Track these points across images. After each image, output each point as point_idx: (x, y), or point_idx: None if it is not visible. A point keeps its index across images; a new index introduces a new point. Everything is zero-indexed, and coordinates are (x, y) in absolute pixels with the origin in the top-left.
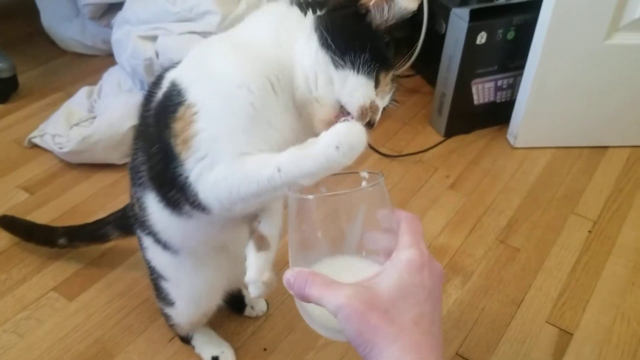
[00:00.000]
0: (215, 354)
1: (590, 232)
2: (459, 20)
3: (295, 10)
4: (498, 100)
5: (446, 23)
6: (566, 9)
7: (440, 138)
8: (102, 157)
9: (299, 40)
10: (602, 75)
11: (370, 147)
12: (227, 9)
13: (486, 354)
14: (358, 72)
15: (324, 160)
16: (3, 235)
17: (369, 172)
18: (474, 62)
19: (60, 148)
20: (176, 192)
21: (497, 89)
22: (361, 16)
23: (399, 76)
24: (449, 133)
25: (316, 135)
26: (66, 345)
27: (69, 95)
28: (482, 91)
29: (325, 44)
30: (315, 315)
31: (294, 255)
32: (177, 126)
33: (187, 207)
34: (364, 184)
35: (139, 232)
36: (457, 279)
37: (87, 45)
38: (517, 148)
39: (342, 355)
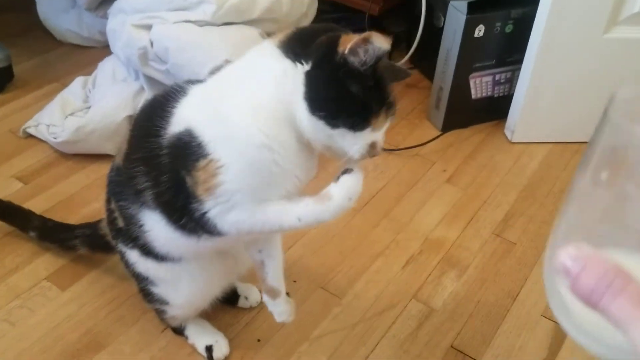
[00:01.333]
0: (209, 343)
1: None
2: (456, 12)
3: (288, 64)
4: (496, 95)
5: (444, 17)
6: (565, 1)
7: (437, 132)
8: (97, 147)
9: (296, 99)
10: (601, 69)
11: None
12: None
13: (482, 346)
14: (353, 129)
15: (339, 210)
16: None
17: None
18: (471, 55)
19: (55, 138)
20: (190, 221)
21: (495, 83)
22: (341, 66)
23: None
24: (446, 127)
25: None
26: (58, 335)
27: (65, 86)
28: (480, 85)
29: (315, 109)
30: (578, 314)
31: (585, 226)
32: (199, 175)
33: (201, 232)
34: None
35: (121, 246)
36: (452, 272)
37: (83, 36)
38: (514, 143)
39: (335, 348)
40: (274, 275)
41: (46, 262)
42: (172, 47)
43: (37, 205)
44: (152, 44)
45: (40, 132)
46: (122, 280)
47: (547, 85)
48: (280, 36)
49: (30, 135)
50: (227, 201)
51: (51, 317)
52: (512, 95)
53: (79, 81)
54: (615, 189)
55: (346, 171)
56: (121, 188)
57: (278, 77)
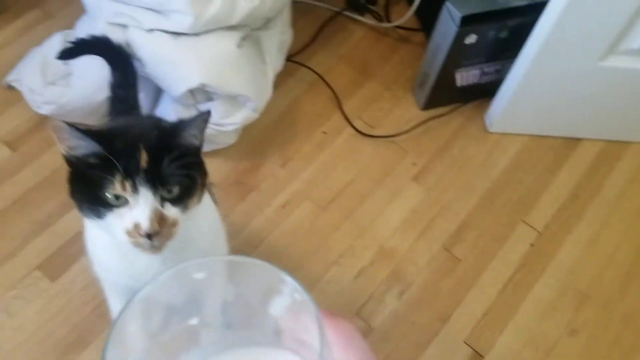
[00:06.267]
0: None
1: (532, 245)
2: (449, 19)
3: None
4: (482, 82)
5: None
6: (569, 22)
7: (417, 111)
8: (79, 120)
9: None
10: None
11: (347, 120)
12: (200, 8)
13: None
14: (98, 216)
15: None
16: None
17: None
18: (461, 57)
19: (37, 107)
20: None
21: (483, 73)
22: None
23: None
24: (428, 106)
25: None
26: (50, 330)
27: (46, 13)
28: (467, 76)
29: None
30: None
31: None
32: None
33: None
34: None
35: None
36: (397, 289)
37: None
38: (491, 133)
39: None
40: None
41: (37, 249)
42: (146, 59)
43: (28, 177)
44: (128, 45)
45: (23, 90)
46: None
47: (536, 86)
48: None
49: (13, 87)
50: None
51: (45, 309)
52: (499, 81)
53: (58, 39)
54: None
55: None
56: None
57: None
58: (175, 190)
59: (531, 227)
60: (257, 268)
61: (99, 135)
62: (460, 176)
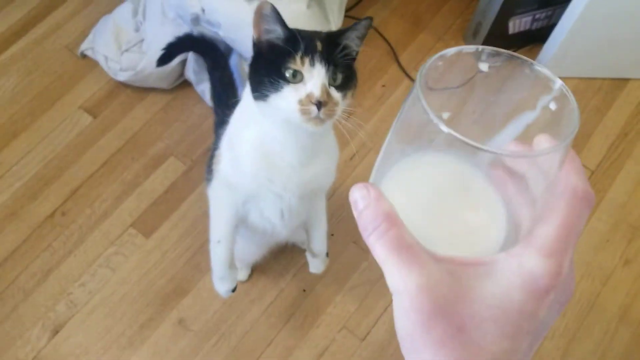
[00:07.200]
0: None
1: None
2: None
3: None
4: (534, 28)
5: None
6: None
7: None
8: (153, 84)
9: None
10: None
11: (403, 71)
12: None
13: None
14: (275, 89)
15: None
16: (82, 168)
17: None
18: (514, 5)
19: (115, 74)
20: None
21: (534, 20)
22: (255, 46)
23: None
24: None
25: None
26: (150, 281)
27: None
28: (519, 24)
29: (253, 93)
30: None
31: (386, 159)
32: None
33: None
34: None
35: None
36: None
37: None
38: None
39: (362, 299)
40: (316, 242)
41: (128, 209)
42: (224, 23)
43: (110, 143)
44: (203, 11)
45: (98, 59)
46: (193, 228)
47: (589, 27)
48: None
49: (86, 56)
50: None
51: (142, 263)
52: (550, 26)
53: (127, 7)
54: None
55: None
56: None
57: None
58: (339, 78)
59: (585, 166)
60: (529, 70)
61: (287, 25)
62: None
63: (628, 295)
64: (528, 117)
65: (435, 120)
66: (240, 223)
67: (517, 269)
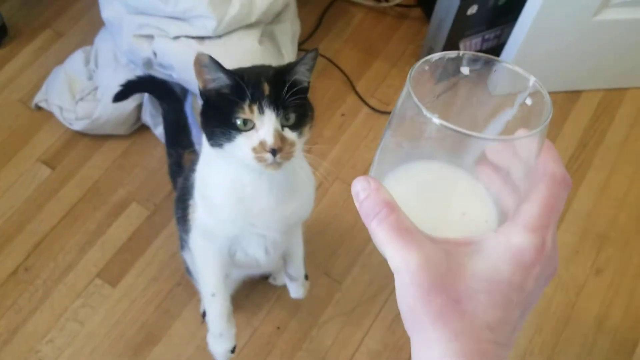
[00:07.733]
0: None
1: None
2: None
3: None
4: (484, 48)
5: None
6: None
7: None
8: (110, 131)
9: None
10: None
11: (361, 98)
12: (221, 11)
13: None
14: (228, 139)
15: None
16: (43, 221)
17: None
18: (463, 27)
19: (70, 124)
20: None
21: (484, 40)
22: (202, 95)
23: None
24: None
25: None
26: (120, 331)
27: (57, 32)
28: (470, 45)
29: (208, 140)
30: None
31: (383, 153)
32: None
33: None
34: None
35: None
36: None
37: None
38: (493, 96)
39: (338, 332)
40: (295, 266)
41: (93, 259)
42: (176, 65)
43: (70, 193)
44: (155, 54)
45: (52, 109)
46: (160, 273)
47: (537, 44)
48: None
49: (41, 108)
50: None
51: (111, 314)
52: (500, 45)
53: (79, 56)
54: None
55: None
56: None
57: None
58: (292, 117)
59: None
60: (505, 71)
61: (230, 72)
62: None
63: (603, 305)
64: (507, 115)
65: (427, 113)
66: (229, 268)
67: (505, 245)
